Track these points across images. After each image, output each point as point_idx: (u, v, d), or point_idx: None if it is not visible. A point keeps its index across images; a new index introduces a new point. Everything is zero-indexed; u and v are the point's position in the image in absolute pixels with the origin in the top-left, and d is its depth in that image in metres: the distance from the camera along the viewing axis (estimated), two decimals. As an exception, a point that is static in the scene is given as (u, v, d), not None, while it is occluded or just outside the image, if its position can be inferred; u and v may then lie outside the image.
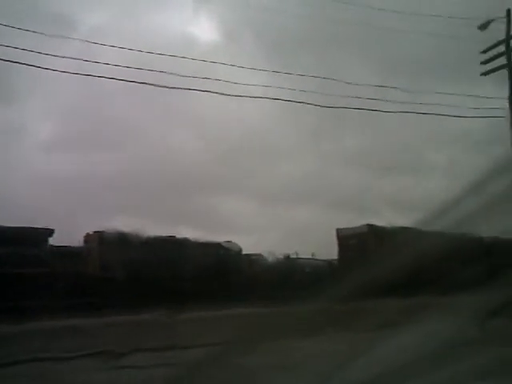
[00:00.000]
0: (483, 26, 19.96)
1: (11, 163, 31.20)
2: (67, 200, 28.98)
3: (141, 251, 18.74)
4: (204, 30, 43.21)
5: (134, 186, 31.61)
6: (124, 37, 32.27)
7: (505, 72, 20.19)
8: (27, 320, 11.59)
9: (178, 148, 37.22)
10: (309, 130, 37.74)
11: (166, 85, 15.30)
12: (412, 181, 38.30)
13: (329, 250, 23.22)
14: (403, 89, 18.82)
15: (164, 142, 36.94)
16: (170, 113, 36.85)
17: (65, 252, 18.54)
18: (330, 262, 23.17)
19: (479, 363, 5.00)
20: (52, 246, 18.32)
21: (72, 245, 19.38)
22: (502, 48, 20.24)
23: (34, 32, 13.70)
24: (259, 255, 22.50)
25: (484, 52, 20.57)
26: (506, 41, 20.04)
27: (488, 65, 20.64)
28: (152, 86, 15.10)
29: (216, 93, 15.76)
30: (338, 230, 23.59)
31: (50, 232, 17.96)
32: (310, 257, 23.67)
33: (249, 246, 22.70)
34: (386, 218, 36.58)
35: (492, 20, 19.86)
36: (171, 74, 14.90)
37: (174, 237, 20.36)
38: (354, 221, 24.31)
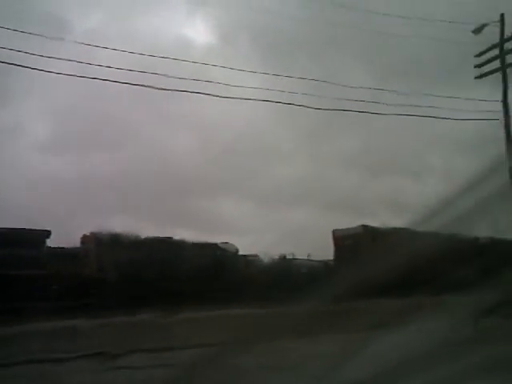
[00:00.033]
0: (477, 30, 20.14)
1: (8, 164, 31.12)
2: (64, 201, 28.89)
3: (137, 252, 18.74)
4: (200, 32, 43.27)
5: (132, 187, 31.59)
6: (119, 39, 32.31)
7: (499, 75, 20.37)
8: (24, 321, 11.58)
9: (175, 150, 37.24)
10: (305, 132, 37.85)
11: (164, 87, 15.38)
12: (408, 182, 38.47)
13: (325, 251, 23.31)
14: (400, 91, 18.99)
15: (161, 143, 36.93)
16: (168, 115, 36.83)
17: (62, 253, 18.50)
18: (326, 263, 23.22)
19: (473, 362, 5.05)
20: (49, 247, 18.32)
21: (69, 246, 19.35)
22: (495, 52, 20.44)
23: (30, 34, 13.74)
24: (255, 256, 22.53)
25: (478, 55, 20.75)
26: (499, 44, 20.22)
27: (482, 68, 20.82)
28: (150, 88, 15.18)
29: (213, 95, 15.83)
30: (334, 231, 23.70)
31: (48, 233, 17.95)
32: (306, 258, 23.72)
33: (245, 246, 22.71)
34: (382, 220, 36.70)
35: (486, 24, 20.04)
36: (168, 76, 14.97)
37: (170, 238, 20.38)
38: (351, 222, 24.42)
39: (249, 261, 22.10)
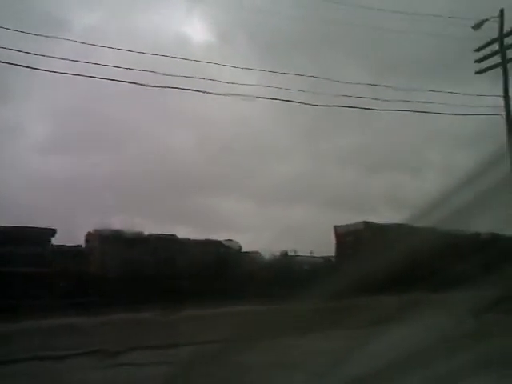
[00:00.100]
0: (477, 26, 20.10)
1: (10, 163, 31.17)
2: (66, 200, 28.94)
3: (142, 249, 18.82)
4: (197, 31, 43.23)
5: (132, 186, 31.65)
6: (117, 37, 32.28)
7: (498, 70, 20.33)
8: (28, 319, 11.64)
9: (174, 148, 37.24)
10: (304, 129, 37.82)
11: (162, 85, 15.39)
12: (407, 178, 38.49)
13: (327, 248, 23.32)
14: (398, 87, 18.96)
15: (161, 142, 36.93)
16: (167, 113, 36.83)
17: (67, 251, 18.62)
18: (327, 259, 23.22)
19: (472, 357, 5.06)
20: (54, 245, 18.41)
21: (73, 244, 19.46)
22: (495, 47, 20.40)
23: (29, 34, 13.73)
24: (256, 253, 22.54)
25: (478, 50, 20.70)
26: (499, 39, 20.18)
27: (482, 63, 20.78)
28: (149, 87, 15.18)
29: (211, 93, 15.82)
30: (336, 227, 23.70)
31: (53, 232, 18.06)
32: (307, 254, 23.73)
33: (245, 244, 22.73)
34: (383, 216, 36.81)
35: (486, 20, 19.99)
36: (167, 74, 14.97)
37: (174, 235, 20.46)
38: (351, 218, 24.43)
39: (252, 258, 22.12)
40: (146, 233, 19.87)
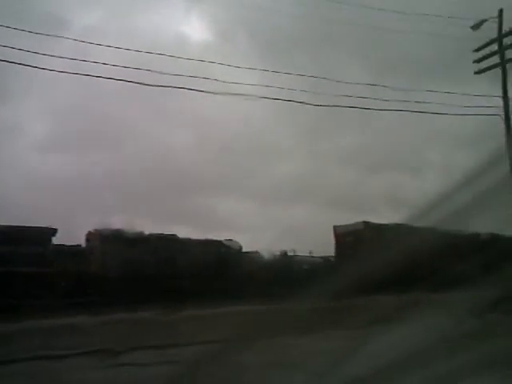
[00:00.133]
0: (476, 26, 20.10)
1: (9, 163, 31.16)
2: (65, 200, 28.98)
3: (142, 249, 18.85)
4: (197, 29, 43.21)
5: (133, 185, 31.65)
6: (116, 36, 32.27)
7: (497, 70, 20.34)
8: (28, 318, 11.66)
9: (175, 147, 37.25)
10: (305, 129, 37.84)
11: (162, 84, 15.39)
12: (407, 178, 38.52)
13: (326, 248, 23.35)
14: (398, 87, 18.99)
15: (161, 141, 36.95)
16: (168, 113, 36.86)
17: (68, 251, 18.66)
18: (327, 259, 23.25)
19: (473, 358, 5.07)
20: (55, 244, 18.44)
21: (74, 243, 19.49)
22: (494, 47, 20.41)
23: (29, 32, 13.73)
24: (256, 253, 22.57)
25: (477, 50, 20.71)
26: (498, 39, 20.19)
27: (482, 63, 20.79)
28: (150, 86, 15.18)
29: (211, 92, 15.82)
30: (335, 227, 23.72)
31: (54, 231, 18.11)
32: (307, 254, 23.75)
33: (245, 243, 22.76)
34: (382, 216, 36.84)
35: (485, 20, 20.00)
36: (167, 74, 14.96)
37: (175, 235, 20.48)
38: (351, 218, 24.47)
39: (252, 258, 22.15)
40: (147, 232, 19.93)
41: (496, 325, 8.65)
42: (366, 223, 22.35)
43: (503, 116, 19.81)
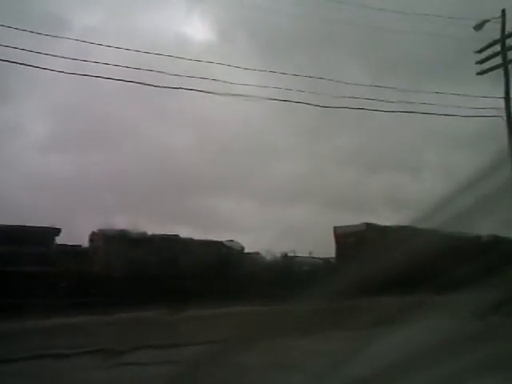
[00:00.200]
0: (478, 27, 20.09)
1: (11, 162, 31.22)
2: (66, 200, 29.02)
3: (145, 249, 18.90)
4: (198, 29, 43.26)
5: (133, 185, 31.67)
6: (117, 37, 32.32)
7: (501, 71, 20.32)
8: (31, 318, 11.69)
9: (175, 148, 37.28)
10: (305, 130, 37.85)
11: (163, 85, 15.42)
12: (407, 178, 38.49)
13: (326, 249, 23.35)
14: (399, 88, 19.01)
15: (161, 141, 36.98)
16: (168, 113, 36.88)
17: (71, 250, 18.69)
18: (327, 260, 23.24)
19: (475, 360, 5.07)
20: (58, 244, 18.48)
21: (77, 243, 19.54)
22: (497, 48, 20.38)
23: (30, 32, 13.77)
24: (257, 253, 22.59)
25: (479, 52, 20.70)
26: (501, 40, 20.17)
27: (484, 64, 20.78)
28: (151, 86, 15.21)
29: (212, 92, 15.85)
30: (335, 228, 23.69)
31: (57, 231, 18.16)
32: (307, 255, 23.75)
33: (246, 244, 22.79)
34: (383, 217, 36.82)
35: (487, 20, 19.98)
36: (167, 74, 14.99)
37: (177, 235, 20.52)
38: (352, 219, 24.48)
39: (252, 258, 22.19)
40: (149, 233, 19.98)
41: (498, 327, 8.65)
42: (367, 224, 22.35)
43: (505, 117, 19.81)
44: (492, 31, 20.16)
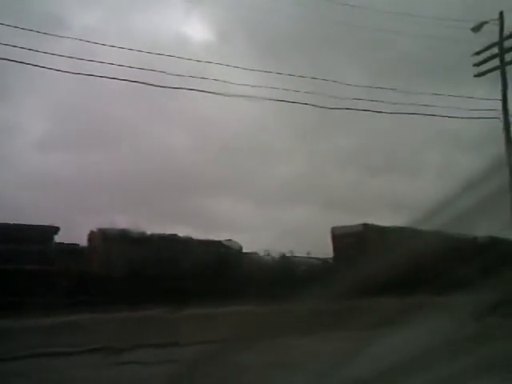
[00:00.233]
0: (476, 28, 20.13)
1: (9, 161, 31.16)
2: (66, 199, 28.99)
3: (144, 249, 18.90)
4: (197, 30, 43.27)
5: (132, 185, 31.67)
6: (117, 36, 32.28)
7: (498, 73, 20.40)
8: (30, 316, 11.70)
9: (174, 147, 37.27)
10: (303, 130, 37.87)
11: (162, 84, 15.43)
12: (408, 180, 38.59)
13: (324, 249, 23.39)
14: (398, 90, 19.06)
15: (160, 141, 36.95)
16: (168, 113, 36.85)
17: (70, 249, 18.68)
18: (325, 261, 23.29)
19: (473, 361, 5.13)
20: (57, 243, 18.47)
21: (71, 242, 19.49)
22: (495, 50, 20.45)
23: (30, 30, 13.77)
24: (255, 253, 22.62)
25: (477, 54, 20.76)
26: (499, 43, 20.23)
27: (482, 66, 20.84)
28: (150, 86, 15.22)
29: (211, 92, 15.86)
30: (333, 229, 23.70)
31: (56, 230, 18.14)
32: (305, 255, 23.78)
33: (244, 244, 22.80)
34: (381, 218, 36.82)
35: (485, 22, 20.03)
36: (167, 73, 15.00)
37: (176, 235, 20.54)
38: (349, 220, 24.51)
39: (251, 258, 22.21)
40: (148, 232, 19.98)
41: (495, 328, 8.72)
42: (365, 225, 22.39)
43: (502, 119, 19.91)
44: (490, 33, 20.24)
